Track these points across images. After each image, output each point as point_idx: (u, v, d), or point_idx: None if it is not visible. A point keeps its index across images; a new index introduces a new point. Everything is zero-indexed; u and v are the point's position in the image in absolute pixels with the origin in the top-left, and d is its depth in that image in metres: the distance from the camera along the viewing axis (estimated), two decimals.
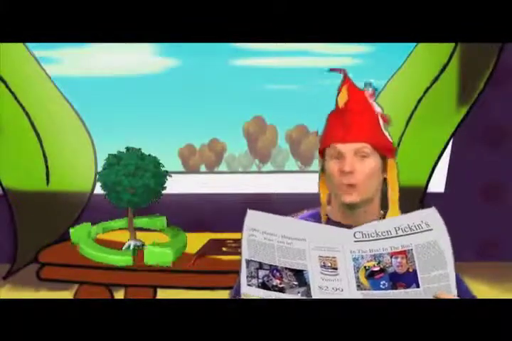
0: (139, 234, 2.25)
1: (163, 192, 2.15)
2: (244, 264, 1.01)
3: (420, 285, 0.95)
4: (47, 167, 3.01)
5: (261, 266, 1.00)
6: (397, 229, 0.96)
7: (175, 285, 2.13)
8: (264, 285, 1.00)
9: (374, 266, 0.96)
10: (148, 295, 2.37)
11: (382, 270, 0.96)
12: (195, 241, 2.28)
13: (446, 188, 3.42)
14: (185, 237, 2.29)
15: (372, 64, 3.34)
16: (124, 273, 2.12)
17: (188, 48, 3.25)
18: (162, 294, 2.34)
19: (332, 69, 1.17)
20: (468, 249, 3.27)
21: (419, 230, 0.96)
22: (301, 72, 3.41)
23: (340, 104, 1.15)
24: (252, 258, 1.00)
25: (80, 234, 2.32)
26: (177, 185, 2.23)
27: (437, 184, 3.35)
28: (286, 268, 0.99)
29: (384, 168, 1.15)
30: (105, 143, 3.10)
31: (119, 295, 2.41)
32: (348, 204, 1.14)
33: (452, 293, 0.95)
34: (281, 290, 0.99)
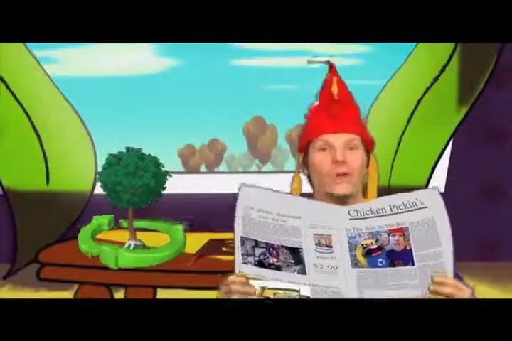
0: (139, 234, 2.25)
1: (163, 192, 2.15)
2: (238, 241, 0.99)
3: (415, 262, 0.94)
4: (47, 167, 3.01)
5: (257, 244, 0.98)
6: (391, 206, 0.96)
7: (175, 285, 2.12)
8: (260, 263, 0.98)
9: (371, 243, 0.96)
10: (148, 295, 2.37)
11: (379, 248, 0.95)
12: (195, 241, 2.27)
13: (446, 188, 3.42)
14: (183, 240, 2.28)
15: (372, 64, 3.34)
16: (124, 273, 2.12)
17: (188, 48, 3.25)
18: (162, 294, 2.34)
19: (313, 61, 1.18)
20: (468, 249, 3.27)
21: (413, 208, 0.96)
22: (301, 72, 3.40)
23: (334, 95, 1.15)
24: (247, 236, 0.99)
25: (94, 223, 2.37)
26: (177, 185, 2.23)
27: (437, 184, 3.34)
28: (282, 246, 0.98)
29: (367, 163, 1.16)
30: (105, 143, 3.10)
31: (119, 295, 2.41)
32: (337, 197, 1.11)
33: (447, 271, 0.94)
34: (278, 268, 0.98)
